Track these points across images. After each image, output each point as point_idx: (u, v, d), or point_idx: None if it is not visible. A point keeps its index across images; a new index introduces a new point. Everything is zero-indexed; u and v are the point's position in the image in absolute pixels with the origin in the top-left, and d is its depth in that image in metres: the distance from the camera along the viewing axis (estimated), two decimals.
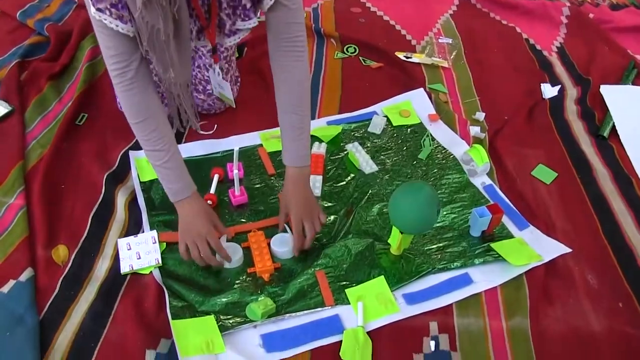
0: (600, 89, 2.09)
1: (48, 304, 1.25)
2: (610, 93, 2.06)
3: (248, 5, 1.45)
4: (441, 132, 1.85)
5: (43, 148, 1.66)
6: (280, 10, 1.30)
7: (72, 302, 1.27)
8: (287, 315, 1.27)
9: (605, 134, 1.88)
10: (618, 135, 1.89)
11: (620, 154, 1.81)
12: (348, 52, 2.27)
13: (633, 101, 2.04)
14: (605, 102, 2.02)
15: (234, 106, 1.75)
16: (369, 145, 1.77)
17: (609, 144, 1.86)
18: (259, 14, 1.50)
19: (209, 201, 1.50)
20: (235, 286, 1.32)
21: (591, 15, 2.60)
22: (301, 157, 1.41)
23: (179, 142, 1.74)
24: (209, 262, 1.33)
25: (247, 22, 1.50)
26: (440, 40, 2.40)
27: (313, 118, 1.87)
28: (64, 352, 1.16)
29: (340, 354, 1.20)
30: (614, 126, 1.91)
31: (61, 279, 1.31)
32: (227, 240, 1.41)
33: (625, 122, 1.93)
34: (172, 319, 1.23)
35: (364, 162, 1.68)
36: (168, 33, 1.27)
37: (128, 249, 1.38)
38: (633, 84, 2.15)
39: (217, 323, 1.23)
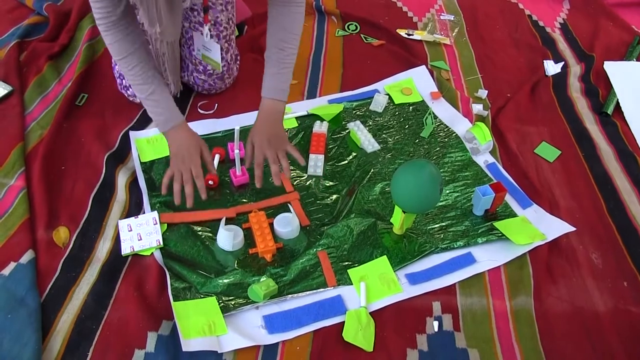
0: (604, 66, 2.06)
1: (49, 286, 1.25)
2: (614, 69, 2.04)
3: None
4: (443, 110, 1.83)
5: (43, 129, 1.65)
6: None
7: (73, 284, 1.26)
8: (290, 296, 1.26)
9: (609, 111, 1.86)
10: (622, 112, 1.87)
11: (624, 131, 1.80)
12: (349, 29, 2.24)
13: (637, 77, 2.01)
14: (609, 79, 2.00)
15: (220, 70, 1.73)
16: (370, 123, 1.76)
17: (613, 121, 1.84)
18: None
19: (210, 181, 1.49)
20: (237, 267, 1.32)
21: None
22: (278, 90, 1.42)
23: None
24: (196, 180, 1.36)
25: None
26: (442, 17, 2.37)
27: (314, 97, 1.85)
28: (65, 333, 1.16)
29: (342, 334, 1.20)
30: (617, 103, 1.89)
31: (62, 260, 1.31)
32: (228, 222, 1.40)
33: (629, 99, 1.91)
34: (174, 300, 1.23)
35: (366, 140, 1.67)
36: None
37: (129, 230, 1.37)
38: (637, 60, 2.13)
39: (219, 304, 1.23)
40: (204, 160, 1.39)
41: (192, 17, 1.65)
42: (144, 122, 1.72)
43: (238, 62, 1.86)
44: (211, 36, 1.66)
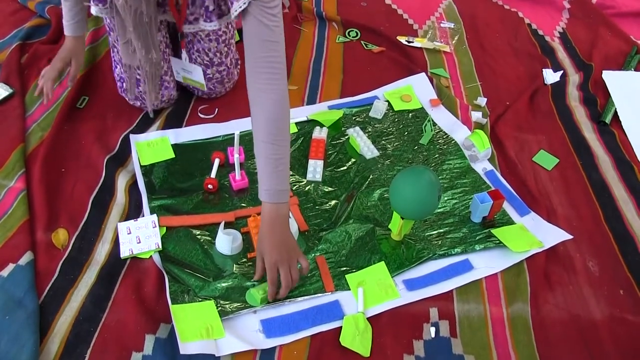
0: (603, 75, 2.08)
1: (47, 287, 1.25)
2: (613, 79, 2.05)
3: (211, 8, 1.50)
4: (443, 117, 1.84)
5: (43, 131, 1.65)
6: (255, 25, 1.21)
7: (71, 286, 1.26)
8: (287, 300, 1.27)
9: (607, 120, 1.87)
10: (620, 121, 1.88)
11: (622, 140, 1.81)
12: (350, 36, 2.25)
13: (635, 87, 2.03)
14: (608, 88, 2.01)
15: (205, 89, 1.76)
16: (370, 130, 1.76)
17: (611, 130, 1.85)
18: (225, 22, 1.63)
19: (209, 185, 1.50)
20: (236, 271, 1.32)
21: (594, 0, 2.58)
22: (278, 193, 1.26)
23: (179, 126, 1.73)
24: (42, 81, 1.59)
25: (208, 23, 1.58)
26: (442, 25, 2.38)
27: (314, 102, 1.86)
28: (63, 336, 1.16)
29: (340, 340, 1.20)
30: (615, 112, 1.90)
31: (61, 262, 1.31)
32: (227, 226, 1.41)
33: (627, 108, 1.92)
34: (172, 303, 1.23)
35: (365, 147, 1.67)
36: (150, 15, 1.26)
37: (128, 233, 1.38)
38: (635, 69, 2.15)
39: (217, 308, 1.23)
40: (71, 71, 1.65)
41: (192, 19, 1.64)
42: (144, 125, 1.72)
43: (238, 67, 1.86)
44: (210, 40, 1.67)
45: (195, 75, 1.71)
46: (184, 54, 1.67)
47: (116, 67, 1.70)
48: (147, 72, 1.61)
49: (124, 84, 1.70)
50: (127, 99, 1.75)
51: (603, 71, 2.09)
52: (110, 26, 1.60)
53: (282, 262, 1.24)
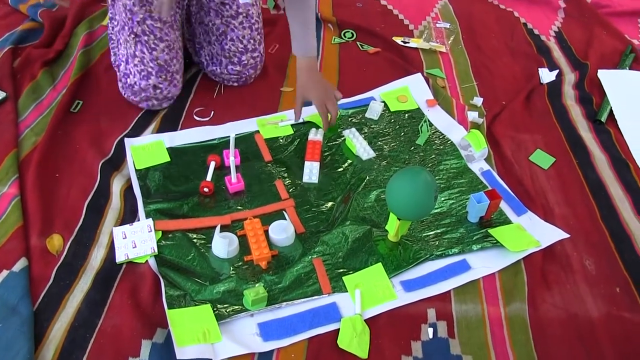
0: (598, 74, 2.07)
1: (42, 294, 1.24)
2: (608, 77, 2.05)
3: None
4: (439, 118, 1.83)
5: (37, 136, 1.64)
6: None
7: (67, 292, 1.25)
8: (284, 303, 1.26)
9: (603, 118, 1.87)
10: (615, 120, 1.88)
11: (617, 139, 1.81)
12: (345, 37, 2.25)
13: (630, 86, 2.03)
14: (603, 87, 2.01)
15: None
16: (366, 131, 1.76)
17: (607, 129, 1.85)
18: None
19: (205, 189, 1.49)
20: (232, 274, 1.32)
21: (589, 0, 2.58)
22: (310, 48, 1.63)
23: (174, 128, 1.73)
24: None
25: None
26: (438, 25, 2.38)
27: (310, 104, 1.84)
28: (58, 342, 1.15)
29: (337, 342, 1.19)
30: (611, 111, 1.90)
31: (56, 268, 1.30)
32: (223, 230, 1.40)
33: (623, 106, 1.92)
34: (168, 308, 1.22)
35: (361, 148, 1.67)
36: None
37: (123, 238, 1.37)
38: (630, 68, 2.14)
39: (214, 312, 1.22)
40: None
41: (224, 12, 1.75)
42: (139, 128, 1.72)
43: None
44: (244, 28, 1.80)
45: None
46: None
47: (121, 63, 1.70)
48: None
49: (129, 79, 1.71)
50: (125, 97, 1.77)
51: (598, 70, 2.09)
52: None
53: (327, 98, 1.65)
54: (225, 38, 1.78)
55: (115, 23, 1.72)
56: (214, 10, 1.76)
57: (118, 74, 1.78)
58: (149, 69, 1.68)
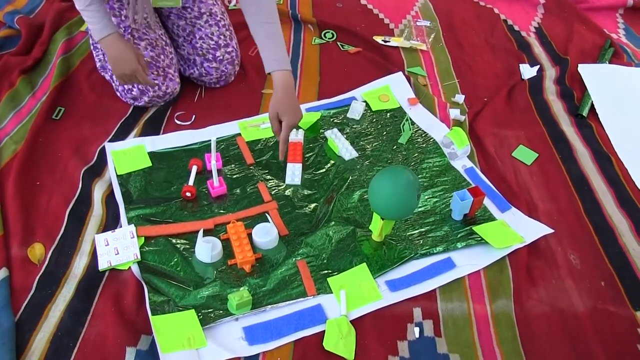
0: (578, 68, 2.09)
1: (24, 304, 1.22)
2: (588, 72, 2.06)
3: None
4: (421, 116, 1.83)
5: (17, 144, 1.62)
6: None
7: (49, 301, 1.24)
8: (269, 306, 1.25)
9: (584, 113, 1.88)
10: (597, 114, 1.89)
11: (599, 133, 1.82)
12: (326, 37, 2.24)
13: (610, 79, 2.04)
14: (584, 81, 2.02)
15: (179, 4, 1.73)
16: (348, 131, 1.76)
17: (588, 123, 1.86)
18: None
19: (187, 193, 1.48)
20: (216, 279, 1.31)
21: None
22: (283, 61, 1.54)
23: (157, 133, 1.72)
24: (141, 78, 1.61)
25: None
26: (418, 23, 2.38)
27: None
28: (41, 353, 1.14)
29: (323, 344, 1.19)
30: (592, 105, 1.91)
31: (37, 277, 1.28)
32: (206, 234, 1.39)
33: (604, 100, 1.93)
34: (152, 314, 1.21)
35: (344, 148, 1.67)
36: None
37: (106, 245, 1.36)
38: (610, 62, 2.16)
39: (198, 317, 1.21)
40: (141, 81, 1.62)
41: (187, 14, 1.77)
42: (122, 135, 1.70)
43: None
44: (210, 25, 1.80)
45: None
46: None
47: (113, 73, 1.71)
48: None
49: (125, 85, 1.73)
50: (132, 104, 1.79)
51: (579, 65, 2.10)
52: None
53: (294, 125, 1.54)
54: (194, 37, 1.80)
55: None
56: (174, 14, 1.78)
57: (114, 84, 1.79)
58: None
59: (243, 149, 1.67)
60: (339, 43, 2.21)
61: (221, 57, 1.83)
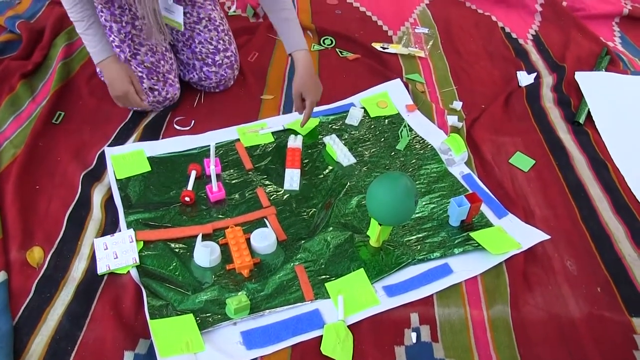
0: (575, 76, 2.10)
1: (22, 307, 1.23)
2: (585, 79, 2.08)
3: None
4: (419, 122, 1.84)
5: (17, 148, 1.63)
6: None
7: (47, 304, 1.24)
8: (267, 311, 1.26)
9: (581, 120, 1.89)
10: (593, 121, 1.90)
11: (595, 140, 1.83)
12: (325, 44, 2.26)
13: (607, 87, 2.05)
14: (580, 89, 2.03)
15: (182, 29, 1.78)
16: (346, 137, 1.77)
17: (585, 130, 1.87)
18: None
19: (186, 198, 1.49)
20: (215, 283, 1.31)
21: (564, 3, 2.62)
22: (300, 42, 1.67)
23: (156, 137, 1.73)
24: (136, 99, 1.68)
25: None
26: (416, 30, 2.39)
27: (290, 112, 1.86)
28: (39, 356, 1.14)
29: (321, 349, 1.19)
30: (589, 112, 1.92)
31: (36, 281, 1.29)
32: (204, 239, 1.40)
33: (600, 107, 1.95)
34: (151, 318, 1.21)
35: (342, 154, 1.67)
36: None
37: (105, 249, 1.36)
38: (606, 70, 2.17)
39: (196, 321, 1.22)
40: (134, 86, 1.67)
41: (186, 19, 1.78)
42: (121, 139, 1.71)
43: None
44: (209, 30, 1.81)
45: (176, 15, 1.76)
46: None
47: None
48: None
49: None
50: (132, 109, 1.80)
51: (575, 72, 2.12)
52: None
53: (315, 101, 1.69)
54: (194, 42, 1.81)
55: None
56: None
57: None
58: (139, 74, 1.72)
59: (242, 155, 1.67)
60: (337, 49, 2.22)
61: (220, 62, 1.85)
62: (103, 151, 1.65)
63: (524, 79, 2.11)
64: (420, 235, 1.46)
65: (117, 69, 1.63)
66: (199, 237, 1.38)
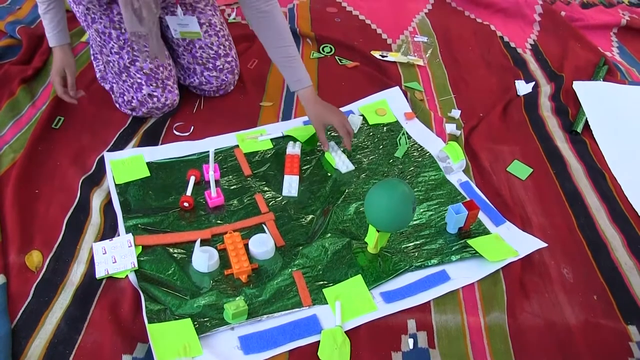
0: (573, 85, 2.11)
1: (21, 311, 1.23)
2: (583, 89, 2.09)
3: None
4: (417, 130, 1.85)
5: (16, 153, 1.64)
6: None
7: (46, 308, 1.24)
8: (265, 316, 1.26)
9: (579, 129, 1.90)
10: (591, 130, 1.91)
11: (593, 149, 1.84)
12: (324, 51, 2.27)
13: (604, 96, 2.06)
14: (578, 98, 2.04)
15: (201, 37, 1.81)
16: None
17: (583, 139, 1.88)
18: None
19: (185, 203, 1.49)
20: (213, 288, 1.32)
21: (563, 13, 2.63)
22: (306, 78, 1.66)
23: (155, 143, 1.74)
24: (61, 93, 1.70)
25: None
26: (415, 39, 2.41)
27: (289, 118, 1.87)
28: (37, 359, 1.14)
29: (318, 354, 1.20)
30: (587, 121, 1.93)
31: (35, 285, 1.29)
32: (203, 244, 1.40)
33: (598, 117, 1.96)
34: (149, 322, 1.22)
35: (340, 161, 1.68)
36: None
37: (103, 253, 1.36)
38: (604, 80, 2.18)
39: (194, 325, 1.22)
40: (68, 81, 1.70)
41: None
42: (120, 144, 1.72)
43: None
44: (210, 36, 1.82)
45: (191, 26, 1.78)
46: (179, 10, 1.74)
47: (113, 85, 1.77)
48: (151, 30, 1.66)
49: (125, 97, 1.76)
50: (123, 111, 1.81)
51: (573, 82, 2.13)
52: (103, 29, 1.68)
53: (344, 119, 1.67)
54: (194, 47, 1.82)
55: (94, 45, 1.78)
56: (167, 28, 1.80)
57: (113, 95, 1.82)
58: (138, 80, 1.72)
59: (241, 161, 1.68)
60: (337, 57, 2.24)
61: (221, 67, 1.86)
62: (102, 156, 1.65)
63: (522, 88, 2.13)
64: (417, 242, 1.47)
65: (59, 58, 1.69)
66: (198, 242, 1.38)
